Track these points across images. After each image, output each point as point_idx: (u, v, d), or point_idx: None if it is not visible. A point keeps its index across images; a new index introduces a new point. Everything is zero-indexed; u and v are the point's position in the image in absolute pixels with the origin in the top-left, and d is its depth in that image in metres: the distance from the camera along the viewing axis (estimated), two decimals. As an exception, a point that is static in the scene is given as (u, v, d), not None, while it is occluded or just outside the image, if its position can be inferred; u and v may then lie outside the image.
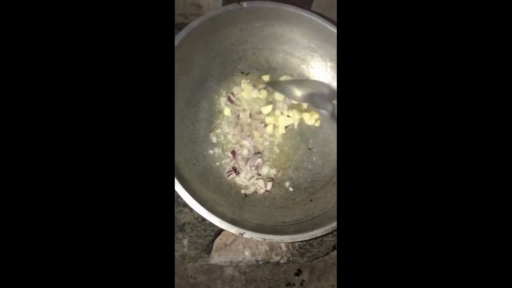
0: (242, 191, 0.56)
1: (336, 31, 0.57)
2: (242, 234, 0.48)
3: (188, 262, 0.65)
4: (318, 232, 0.49)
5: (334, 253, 0.63)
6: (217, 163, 0.57)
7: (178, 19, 0.69)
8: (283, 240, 0.49)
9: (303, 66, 0.62)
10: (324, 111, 0.59)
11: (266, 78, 0.61)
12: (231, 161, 0.57)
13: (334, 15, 0.65)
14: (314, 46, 0.61)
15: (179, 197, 0.48)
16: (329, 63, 0.61)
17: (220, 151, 0.57)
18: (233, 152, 0.57)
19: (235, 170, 0.56)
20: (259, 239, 0.49)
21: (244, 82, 0.60)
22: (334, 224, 0.49)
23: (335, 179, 0.57)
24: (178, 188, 0.47)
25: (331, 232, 0.51)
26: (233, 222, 0.48)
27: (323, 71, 0.62)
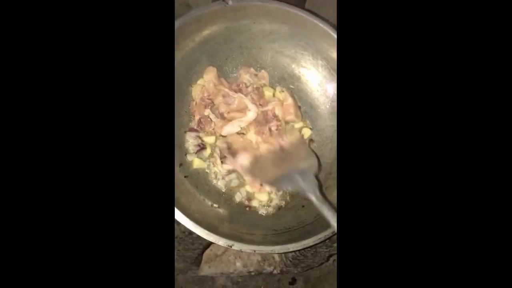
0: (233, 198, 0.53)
1: (327, 29, 0.54)
2: (231, 246, 0.45)
3: (177, 274, 0.62)
4: (310, 241, 0.46)
5: (329, 262, 0.61)
6: (205, 169, 0.54)
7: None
8: (273, 251, 0.46)
9: (293, 65, 0.59)
10: (312, 196, 0.45)
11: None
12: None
13: (328, 14, 0.63)
14: (305, 44, 0.58)
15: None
16: (320, 62, 0.58)
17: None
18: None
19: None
20: (249, 251, 0.46)
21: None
22: (327, 232, 0.47)
23: (328, 183, 0.54)
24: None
25: (324, 241, 0.48)
26: (221, 233, 0.46)
27: (314, 70, 0.59)
